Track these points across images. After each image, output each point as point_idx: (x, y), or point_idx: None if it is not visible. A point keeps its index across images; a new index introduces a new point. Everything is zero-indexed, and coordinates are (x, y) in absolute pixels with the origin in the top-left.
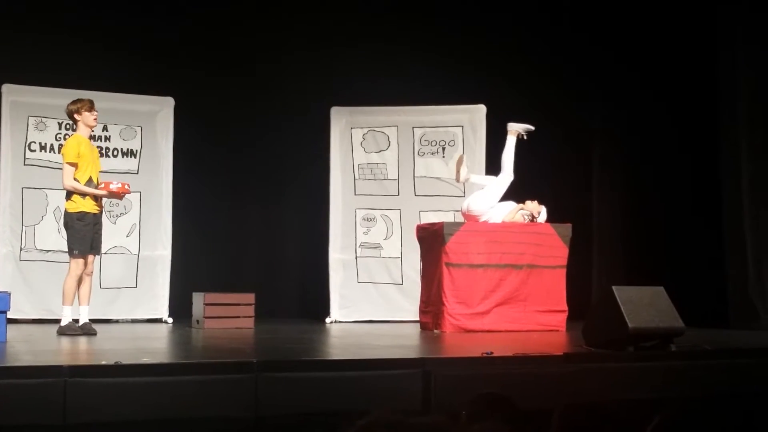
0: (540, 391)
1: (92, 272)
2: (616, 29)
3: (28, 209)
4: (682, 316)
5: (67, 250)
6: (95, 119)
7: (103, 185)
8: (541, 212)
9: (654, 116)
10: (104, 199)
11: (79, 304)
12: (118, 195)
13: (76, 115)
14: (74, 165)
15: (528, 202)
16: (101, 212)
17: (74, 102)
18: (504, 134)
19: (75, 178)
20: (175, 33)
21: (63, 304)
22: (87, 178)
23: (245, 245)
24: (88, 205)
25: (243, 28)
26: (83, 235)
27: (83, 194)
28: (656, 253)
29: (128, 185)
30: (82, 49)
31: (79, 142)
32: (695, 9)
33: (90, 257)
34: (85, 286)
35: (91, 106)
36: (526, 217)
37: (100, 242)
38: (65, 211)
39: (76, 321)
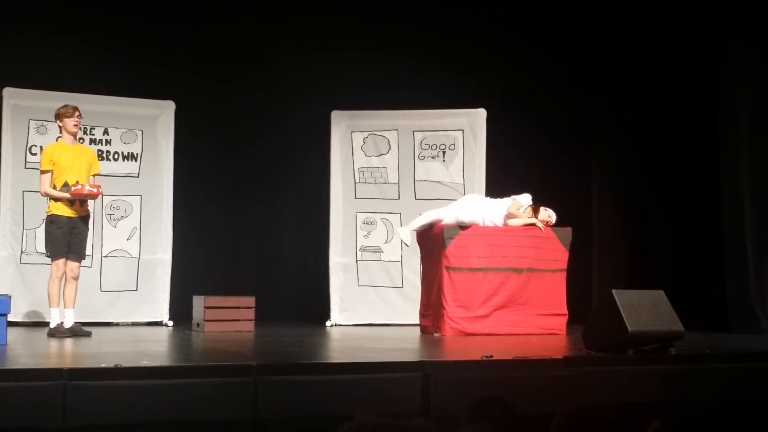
0: (540, 394)
1: (78, 276)
2: (614, 45)
3: (29, 212)
4: (681, 320)
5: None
6: (75, 125)
7: (75, 189)
8: (552, 216)
9: (654, 121)
10: (94, 204)
11: (65, 307)
12: (88, 196)
13: (58, 121)
14: (47, 172)
15: (542, 210)
16: (81, 217)
17: (61, 107)
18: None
19: (53, 185)
20: (176, 37)
21: (49, 306)
22: (62, 183)
23: (246, 248)
24: (60, 209)
25: (244, 32)
26: (54, 238)
27: (55, 199)
28: (656, 257)
29: (98, 186)
30: (83, 53)
31: (53, 149)
32: (694, 18)
33: (72, 262)
34: (70, 290)
35: (72, 113)
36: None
37: (81, 246)
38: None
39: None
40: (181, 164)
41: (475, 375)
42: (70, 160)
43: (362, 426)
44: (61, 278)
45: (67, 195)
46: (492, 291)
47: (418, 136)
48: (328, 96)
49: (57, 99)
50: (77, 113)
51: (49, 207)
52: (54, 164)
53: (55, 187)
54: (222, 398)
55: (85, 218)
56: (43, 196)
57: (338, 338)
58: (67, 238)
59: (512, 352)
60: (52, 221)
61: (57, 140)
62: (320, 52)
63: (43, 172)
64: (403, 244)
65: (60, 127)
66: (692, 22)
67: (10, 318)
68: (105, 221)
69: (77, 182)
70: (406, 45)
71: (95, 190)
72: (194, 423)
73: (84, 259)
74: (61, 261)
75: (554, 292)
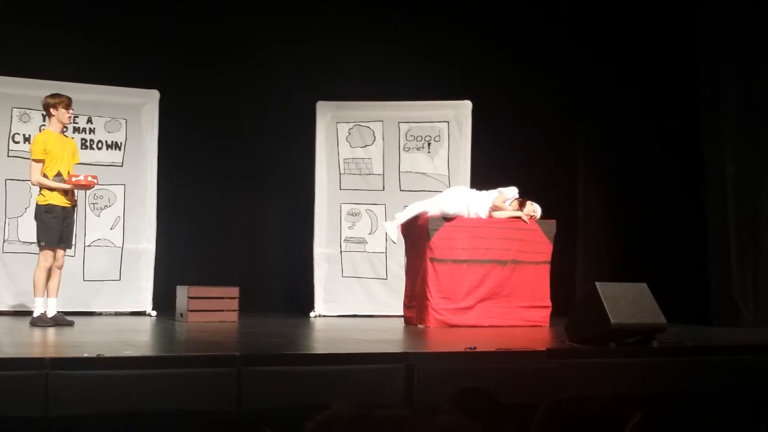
0: (523, 386)
1: (62, 266)
2: (600, 34)
3: (12, 201)
4: (664, 313)
5: (36, 242)
6: (70, 117)
7: (69, 179)
8: (537, 211)
9: (639, 114)
10: (79, 193)
11: (47, 297)
12: (86, 187)
13: (51, 110)
14: (40, 161)
15: (528, 203)
16: (73, 207)
17: (52, 96)
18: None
19: (44, 174)
20: (161, 25)
21: (34, 295)
22: (55, 173)
23: (230, 238)
24: (56, 199)
25: (229, 21)
26: (50, 228)
27: (51, 189)
28: (640, 250)
29: (95, 177)
30: (67, 41)
31: (45, 138)
32: (678, 12)
33: (60, 251)
34: (54, 279)
35: (68, 104)
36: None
37: (70, 236)
38: (36, 203)
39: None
40: (165, 154)
41: (459, 366)
42: (61, 149)
43: (337, 415)
44: (49, 268)
45: (65, 186)
46: (476, 283)
47: (404, 127)
48: (313, 86)
49: (41, 87)
50: (71, 104)
51: (44, 196)
52: (46, 153)
53: (46, 176)
54: (205, 389)
55: (74, 207)
56: (34, 185)
57: (322, 329)
58: (60, 228)
59: (496, 344)
60: (47, 211)
61: (42, 129)
62: (306, 41)
63: (35, 161)
64: (388, 237)
65: (48, 115)
66: (677, 10)
67: None
68: (88, 210)
69: (69, 172)
70: (392, 36)
71: (94, 180)
72: (177, 413)
73: (71, 248)
74: (51, 252)
75: (538, 284)
